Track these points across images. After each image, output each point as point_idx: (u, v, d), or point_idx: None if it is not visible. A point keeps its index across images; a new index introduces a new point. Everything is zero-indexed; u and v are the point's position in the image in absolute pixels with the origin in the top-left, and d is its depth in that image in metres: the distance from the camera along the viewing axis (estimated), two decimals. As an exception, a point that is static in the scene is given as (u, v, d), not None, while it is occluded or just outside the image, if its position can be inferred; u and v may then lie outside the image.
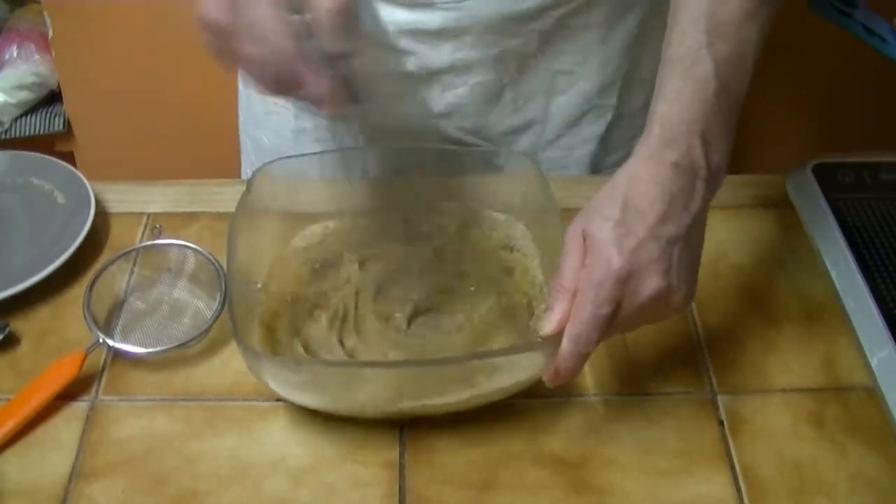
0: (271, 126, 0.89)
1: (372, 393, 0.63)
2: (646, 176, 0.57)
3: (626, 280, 0.56)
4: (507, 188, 0.74)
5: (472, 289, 0.71)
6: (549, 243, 0.69)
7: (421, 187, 0.74)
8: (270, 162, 0.72)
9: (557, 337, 0.57)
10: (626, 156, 0.87)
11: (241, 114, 0.95)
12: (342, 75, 0.59)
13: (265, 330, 0.68)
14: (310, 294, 0.71)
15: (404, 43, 0.77)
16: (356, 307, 0.70)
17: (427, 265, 0.73)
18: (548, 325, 0.58)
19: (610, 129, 0.86)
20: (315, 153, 0.73)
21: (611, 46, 0.81)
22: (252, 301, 0.68)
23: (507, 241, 0.75)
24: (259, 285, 0.70)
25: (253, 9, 0.56)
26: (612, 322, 0.57)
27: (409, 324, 0.69)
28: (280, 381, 0.62)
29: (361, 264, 0.73)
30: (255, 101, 0.90)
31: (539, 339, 0.59)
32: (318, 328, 0.68)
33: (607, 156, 0.88)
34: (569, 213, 0.67)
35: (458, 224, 0.75)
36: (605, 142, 0.86)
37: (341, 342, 0.68)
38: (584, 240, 0.58)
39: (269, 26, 0.56)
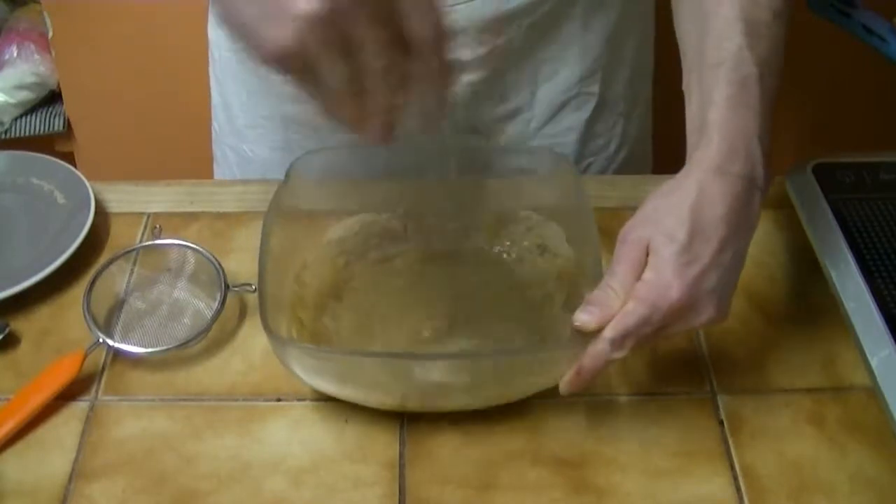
0: (256, 139, 0.88)
1: (403, 386, 0.63)
2: (715, 190, 0.57)
3: (680, 310, 0.56)
4: (541, 187, 0.74)
5: (506, 289, 0.71)
6: (584, 243, 0.69)
7: (454, 186, 0.74)
8: (307, 154, 0.71)
9: (586, 338, 0.57)
10: (608, 142, 0.88)
11: (216, 125, 0.94)
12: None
13: (294, 320, 0.68)
14: (340, 287, 0.71)
15: None
16: (384, 304, 0.70)
17: (461, 263, 0.73)
18: (586, 322, 0.57)
19: (593, 116, 0.86)
20: (352, 147, 0.72)
21: (591, 35, 0.81)
22: (281, 291, 0.68)
23: (541, 240, 0.74)
24: (291, 276, 0.70)
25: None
26: (651, 338, 0.57)
27: (439, 325, 0.69)
28: (308, 370, 0.62)
29: (393, 260, 0.73)
30: (237, 115, 0.89)
31: (571, 330, 0.59)
32: (344, 322, 0.69)
33: (590, 142, 0.88)
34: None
35: (492, 223, 0.75)
36: (588, 129, 0.87)
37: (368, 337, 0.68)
38: (647, 251, 0.57)
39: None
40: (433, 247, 0.73)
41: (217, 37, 0.89)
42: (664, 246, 0.56)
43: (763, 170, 0.58)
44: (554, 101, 0.84)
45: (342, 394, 0.64)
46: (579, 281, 0.69)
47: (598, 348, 0.57)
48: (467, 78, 0.79)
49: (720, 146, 0.58)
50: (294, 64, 0.50)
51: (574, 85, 0.84)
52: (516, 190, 0.75)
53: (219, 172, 0.97)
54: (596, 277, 0.60)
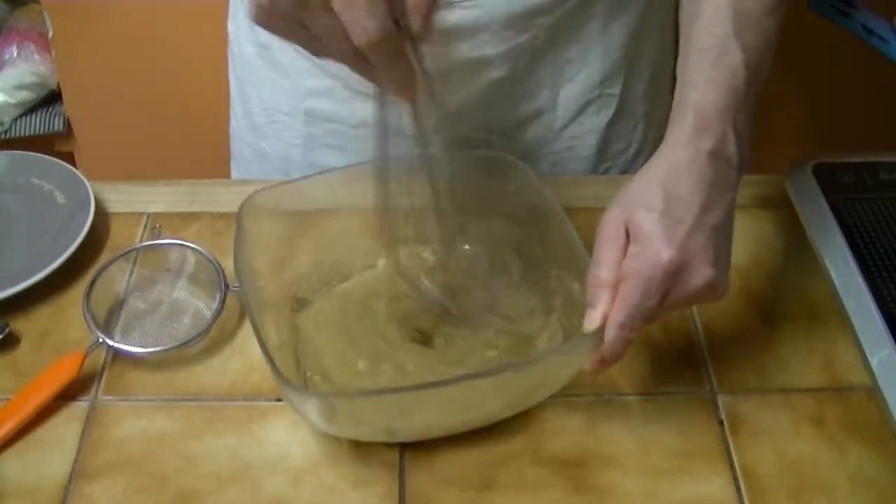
0: (275, 134, 0.88)
1: (424, 414, 0.63)
2: (684, 164, 0.57)
3: (676, 271, 0.56)
4: (500, 192, 0.74)
5: (480, 295, 0.71)
6: (551, 243, 0.69)
7: (417, 193, 0.74)
8: (256, 192, 0.69)
9: (600, 329, 0.57)
10: (628, 146, 0.89)
11: (233, 122, 0.94)
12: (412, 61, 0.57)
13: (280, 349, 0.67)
14: (319, 308, 0.71)
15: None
16: (367, 322, 0.70)
17: (429, 272, 0.73)
18: (591, 322, 0.58)
19: (614, 118, 0.86)
20: (296, 180, 0.73)
21: (613, 35, 0.81)
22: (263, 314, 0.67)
23: (504, 244, 0.74)
24: (263, 286, 0.69)
25: None
26: (657, 311, 0.57)
27: (422, 334, 0.69)
28: (324, 417, 0.62)
29: (363, 278, 0.73)
30: (256, 111, 0.89)
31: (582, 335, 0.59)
32: (330, 345, 0.69)
33: (610, 146, 0.88)
34: (574, 213, 0.68)
35: (456, 229, 0.75)
36: (609, 131, 0.87)
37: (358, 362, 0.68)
38: (626, 231, 0.57)
39: (362, 5, 0.51)
40: (400, 258, 0.73)
41: (236, 31, 0.88)
42: (644, 218, 0.57)
43: (736, 150, 0.58)
44: (575, 102, 0.84)
45: (363, 434, 0.64)
46: (561, 274, 0.69)
47: (611, 336, 0.57)
48: (489, 76, 0.79)
49: (693, 124, 0.58)
50: (273, 24, 0.54)
51: (596, 86, 0.84)
52: (476, 196, 0.74)
53: (235, 169, 0.97)
54: (583, 268, 0.60)
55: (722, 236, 0.58)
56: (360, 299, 0.72)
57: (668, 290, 0.56)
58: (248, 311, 0.63)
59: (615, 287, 0.57)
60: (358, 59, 0.54)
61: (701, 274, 0.56)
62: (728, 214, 0.58)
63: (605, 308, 0.57)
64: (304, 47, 0.56)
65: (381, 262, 0.74)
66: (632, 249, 0.57)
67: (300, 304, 0.72)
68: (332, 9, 0.51)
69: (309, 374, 0.67)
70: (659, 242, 0.56)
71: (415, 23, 0.53)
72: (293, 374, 0.65)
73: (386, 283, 0.72)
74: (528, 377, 0.62)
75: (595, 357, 0.59)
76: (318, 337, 0.69)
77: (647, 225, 0.56)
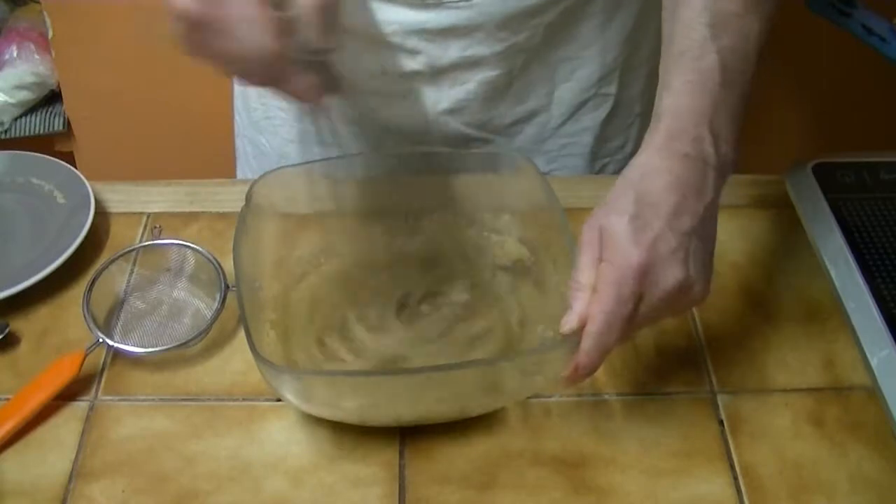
0: (272, 130, 0.88)
1: (392, 402, 0.63)
2: (657, 168, 0.57)
3: (645, 274, 0.55)
4: (506, 188, 0.74)
5: (471, 293, 0.72)
6: (551, 242, 0.69)
7: (419, 189, 0.74)
8: (267, 172, 0.71)
9: (577, 335, 0.57)
10: (624, 143, 0.89)
11: (237, 118, 0.95)
12: (323, 69, 0.58)
13: (275, 337, 0.68)
14: (311, 299, 0.71)
15: (412, 42, 0.77)
16: (356, 312, 0.70)
17: (426, 267, 0.73)
18: (567, 324, 0.57)
19: (609, 116, 0.86)
20: (311, 162, 0.74)
21: (610, 34, 0.81)
22: (258, 307, 0.68)
23: (507, 241, 0.74)
24: (260, 286, 0.70)
25: (231, 5, 0.54)
26: (633, 317, 0.56)
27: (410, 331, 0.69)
28: (301, 395, 0.62)
29: (360, 268, 0.73)
30: (255, 107, 0.89)
31: (559, 338, 0.58)
32: (320, 335, 0.69)
33: (606, 143, 0.88)
34: (571, 213, 0.67)
35: (456, 225, 0.75)
36: (605, 129, 0.87)
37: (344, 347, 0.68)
38: (601, 235, 0.57)
39: (251, 24, 0.54)
40: (397, 254, 0.73)
41: None
42: (615, 222, 0.56)
43: (713, 150, 0.58)
44: (572, 101, 0.84)
45: (335, 415, 0.64)
46: (559, 280, 0.69)
47: (588, 344, 0.57)
48: (484, 75, 0.79)
49: (668, 128, 0.58)
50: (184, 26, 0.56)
51: (592, 85, 0.84)
52: (480, 192, 0.74)
53: (239, 166, 0.98)
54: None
55: (696, 240, 0.57)
56: (349, 274, 0.72)
57: (641, 293, 0.56)
58: (237, 294, 0.64)
59: (592, 291, 0.57)
60: (261, 80, 0.58)
61: (671, 275, 0.56)
62: (704, 219, 0.57)
63: (582, 311, 0.57)
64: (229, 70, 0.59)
65: (367, 245, 0.74)
66: (604, 254, 0.57)
67: (294, 286, 0.72)
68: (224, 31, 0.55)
69: (295, 356, 0.67)
70: (627, 245, 0.55)
71: (311, 37, 0.55)
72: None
73: (368, 267, 0.73)
74: (493, 375, 0.62)
75: (570, 366, 0.58)
76: (302, 314, 0.70)
77: (616, 229, 0.56)
